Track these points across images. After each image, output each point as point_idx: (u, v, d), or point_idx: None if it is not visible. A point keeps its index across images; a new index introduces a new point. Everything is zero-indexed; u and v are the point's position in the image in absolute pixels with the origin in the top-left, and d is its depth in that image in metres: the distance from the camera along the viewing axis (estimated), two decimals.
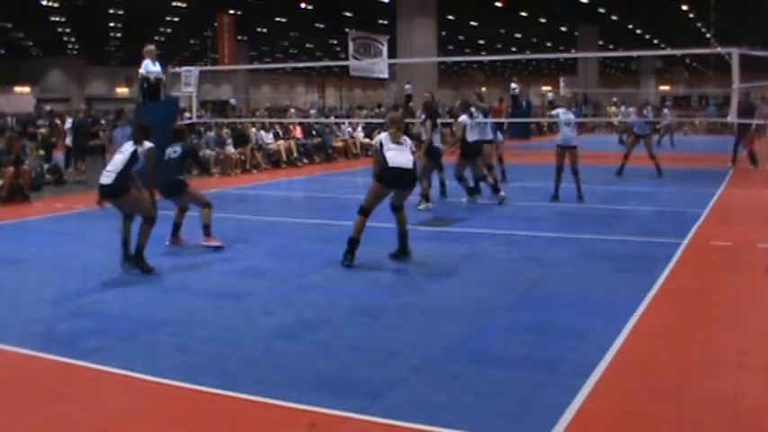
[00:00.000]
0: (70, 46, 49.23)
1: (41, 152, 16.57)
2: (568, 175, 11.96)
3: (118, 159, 7.50)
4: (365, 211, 7.73)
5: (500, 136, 15.57)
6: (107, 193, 7.55)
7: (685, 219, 10.15)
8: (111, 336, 5.41)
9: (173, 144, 9.02)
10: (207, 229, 8.59)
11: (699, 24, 41.12)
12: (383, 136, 7.92)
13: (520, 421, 3.94)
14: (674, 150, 23.49)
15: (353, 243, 7.68)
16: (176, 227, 8.91)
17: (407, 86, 29.30)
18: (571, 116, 12.49)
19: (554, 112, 12.74)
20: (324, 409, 4.02)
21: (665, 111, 30.26)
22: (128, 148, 7.55)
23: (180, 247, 8.75)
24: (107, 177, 7.44)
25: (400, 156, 7.61)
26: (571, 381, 4.38)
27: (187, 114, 18.33)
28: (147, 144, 7.54)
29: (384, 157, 7.62)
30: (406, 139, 7.93)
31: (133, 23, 38.72)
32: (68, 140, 16.81)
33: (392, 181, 7.63)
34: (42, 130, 18.13)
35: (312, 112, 32.18)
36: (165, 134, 14.88)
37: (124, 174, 7.40)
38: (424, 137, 11.89)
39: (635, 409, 4.07)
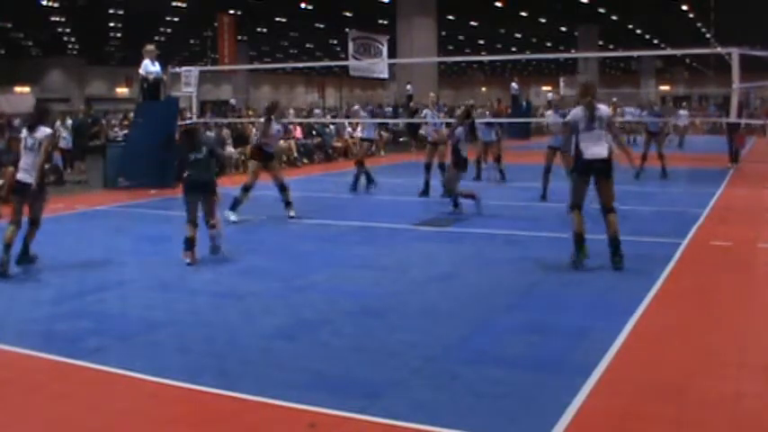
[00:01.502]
0: (70, 46, 49.23)
1: None
2: (563, 176, 11.97)
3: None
4: (576, 206, 7.31)
5: (494, 136, 15.66)
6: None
7: (685, 219, 10.15)
8: (111, 336, 5.41)
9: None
10: (189, 243, 7.95)
11: (699, 24, 41.12)
12: (577, 113, 7.27)
13: (520, 421, 3.94)
14: (679, 151, 23.43)
15: (579, 237, 7.29)
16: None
17: (408, 87, 29.31)
18: (558, 118, 12.53)
19: (547, 113, 12.83)
20: (324, 409, 4.02)
21: (681, 112, 30.19)
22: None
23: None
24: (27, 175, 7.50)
25: (594, 145, 7.12)
26: (571, 381, 4.38)
27: (187, 114, 18.34)
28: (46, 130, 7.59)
29: (579, 148, 7.16)
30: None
31: (133, 23, 38.71)
32: (63, 143, 16.74)
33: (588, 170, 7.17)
34: None
35: (317, 111, 32.16)
36: (165, 134, 15.02)
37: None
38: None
39: (635, 409, 4.07)
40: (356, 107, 18.02)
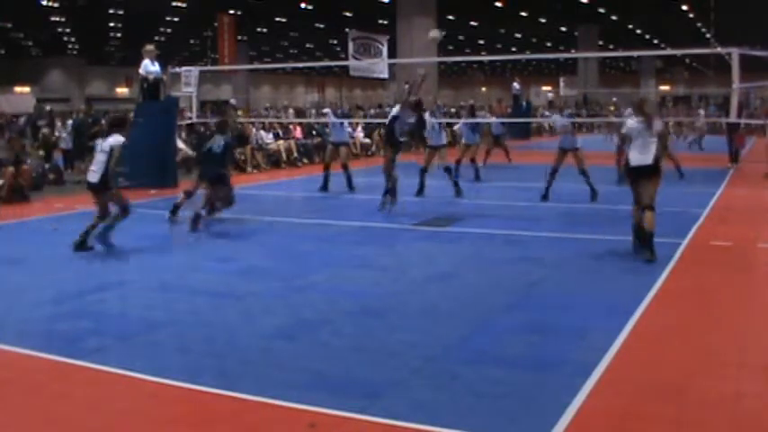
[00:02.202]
0: (70, 46, 49.21)
1: (41, 152, 16.58)
2: (564, 176, 12.00)
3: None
4: (648, 206, 7.81)
5: (477, 138, 15.74)
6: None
7: (685, 219, 10.15)
8: (111, 336, 5.41)
9: (216, 137, 9.77)
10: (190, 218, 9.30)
11: (699, 24, 41.11)
12: (633, 125, 8.04)
13: (520, 421, 3.94)
14: (700, 152, 23.24)
15: (651, 237, 7.70)
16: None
17: (407, 86, 29.26)
18: (565, 120, 12.56)
19: (554, 116, 12.85)
20: (324, 409, 4.02)
21: (700, 111, 30.13)
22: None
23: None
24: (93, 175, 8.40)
25: (640, 153, 7.88)
26: (571, 381, 4.38)
27: (188, 114, 18.35)
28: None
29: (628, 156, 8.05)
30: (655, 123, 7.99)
31: (133, 23, 38.70)
32: (63, 144, 16.73)
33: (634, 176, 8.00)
34: (45, 131, 18.11)
35: (326, 110, 31.92)
36: (165, 134, 15.02)
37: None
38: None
39: (635, 408, 4.07)
40: (326, 110, 17.99)
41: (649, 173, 7.87)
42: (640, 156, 7.92)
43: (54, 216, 11.62)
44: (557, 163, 12.28)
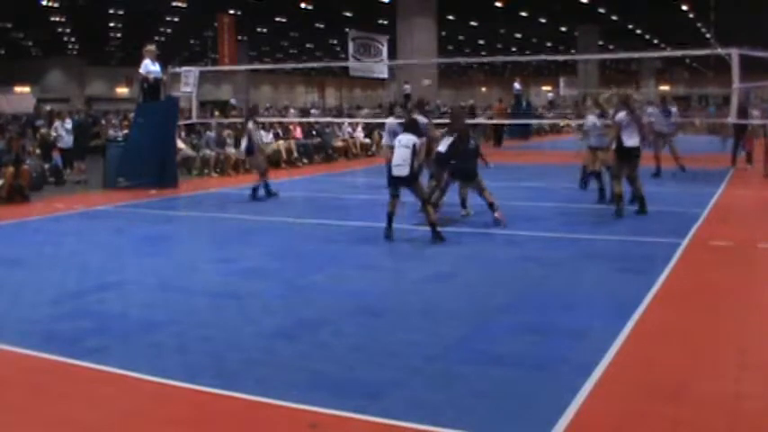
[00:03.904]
0: (70, 46, 49.24)
1: (38, 151, 16.57)
2: (564, 176, 11.98)
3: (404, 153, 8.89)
4: (617, 177, 10.40)
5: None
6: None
7: (685, 219, 10.15)
8: (111, 336, 5.41)
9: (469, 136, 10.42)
10: (492, 207, 9.84)
11: (699, 24, 41.12)
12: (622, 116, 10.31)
13: (520, 421, 3.94)
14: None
15: (619, 197, 10.34)
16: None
17: (406, 86, 29.32)
18: (598, 120, 12.31)
19: (589, 116, 12.64)
20: (324, 409, 4.02)
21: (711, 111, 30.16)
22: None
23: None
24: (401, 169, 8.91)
25: (630, 138, 10.28)
26: (571, 381, 4.38)
27: (187, 114, 18.34)
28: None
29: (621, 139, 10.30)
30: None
31: (133, 23, 38.73)
32: (62, 143, 16.71)
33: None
34: (43, 131, 18.09)
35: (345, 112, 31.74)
36: (165, 134, 15.01)
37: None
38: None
39: (635, 409, 4.07)
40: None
41: (637, 153, 10.45)
42: (630, 140, 10.32)
43: (54, 216, 11.63)
44: (589, 162, 12.30)
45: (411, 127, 9.38)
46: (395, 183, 9.08)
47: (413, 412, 3.97)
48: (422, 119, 11.11)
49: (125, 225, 10.65)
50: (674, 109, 16.93)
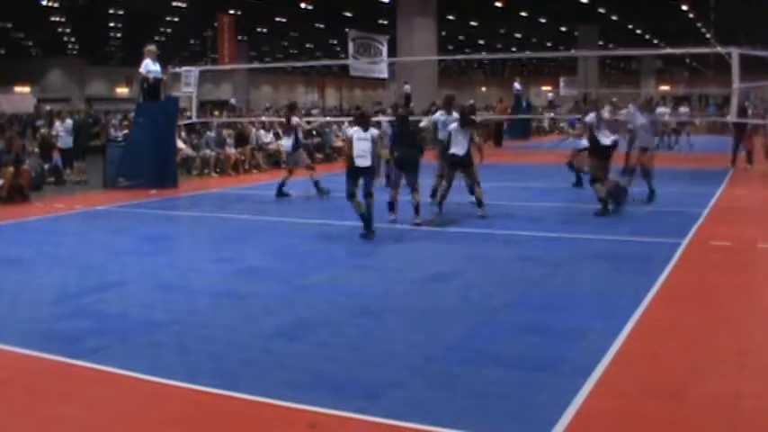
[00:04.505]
0: (70, 46, 49.20)
1: (37, 151, 16.56)
2: (564, 175, 12.00)
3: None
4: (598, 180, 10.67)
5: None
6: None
7: (685, 219, 10.15)
8: (111, 336, 5.41)
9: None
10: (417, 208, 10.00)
11: (699, 24, 41.10)
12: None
13: (520, 421, 3.94)
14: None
15: (605, 202, 10.61)
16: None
17: (406, 86, 29.31)
18: (644, 119, 12.16)
19: (636, 115, 12.44)
20: (324, 409, 4.02)
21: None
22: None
23: None
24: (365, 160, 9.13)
25: (607, 138, 10.66)
26: (571, 381, 4.38)
27: (187, 114, 18.35)
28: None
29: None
30: None
31: (133, 23, 38.69)
32: (61, 143, 16.71)
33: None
34: (43, 131, 18.09)
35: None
36: (165, 134, 15.02)
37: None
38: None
39: (635, 409, 4.07)
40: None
41: (610, 153, 10.83)
42: (607, 139, 10.71)
43: (54, 216, 11.63)
44: (639, 163, 12.00)
45: (361, 121, 9.42)
46: (357, 173, 9.19)
47: (413, 412, 3.97)
48: (384, 120, 11.64)
49: (125, 225, 10.65)
50: (684, 108, 17.01)
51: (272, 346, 5.19)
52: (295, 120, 13.31)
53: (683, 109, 29.31)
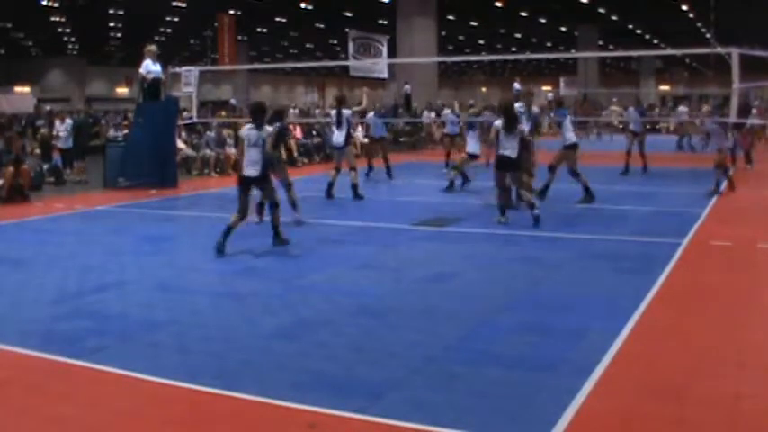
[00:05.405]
0: (70, 46, 49.21)
1: (37, 151, 16.56)
2: (562, 176, 11.97)
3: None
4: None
5: (384, 133, 17.11)
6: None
7: (685, 219, 10.15)
8: (111, 336, 5.41)
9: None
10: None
11: (699, 24, 41.09)
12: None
13: (520, 421, 3.94)
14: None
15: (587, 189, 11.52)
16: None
17: (406, 86, 29.32)
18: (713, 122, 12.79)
19: (707, 119, 13.14)
20: (324, 409, 4.02)
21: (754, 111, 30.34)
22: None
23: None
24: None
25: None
26: (571, 381, 4.38)
27: (186, 114, 18.33)
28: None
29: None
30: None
31: (133, 23, 38.70)
32: (61, 143, 16.70)
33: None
34: (43, 131, 18.09)
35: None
36: (165, 134, 15.01)
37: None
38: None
39: (635, 408, 4.07)
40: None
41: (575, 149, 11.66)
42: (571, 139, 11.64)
43: (54, 216, 11.63)
44: (726, 164, 13.03)
45: (255, 114, 8.56)
46: (247, 183, 8.48)
47: (413, 412, 3.97)
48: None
49: (125, 225, 10.65)
50: (682, 108, 17.10)
51: (272, 346, 5.19)
52: (348, 113, 12.69)
53: (683, 108, 29.42)
